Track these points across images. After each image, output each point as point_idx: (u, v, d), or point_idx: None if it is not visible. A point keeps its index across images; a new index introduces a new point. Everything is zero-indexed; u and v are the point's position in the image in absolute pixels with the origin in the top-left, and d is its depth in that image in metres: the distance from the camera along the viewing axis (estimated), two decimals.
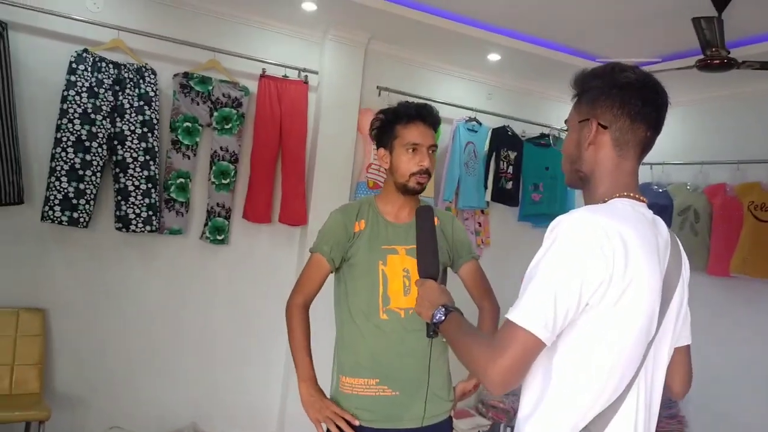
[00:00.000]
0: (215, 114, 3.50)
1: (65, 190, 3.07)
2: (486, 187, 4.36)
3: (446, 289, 1.50)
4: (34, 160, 3.17)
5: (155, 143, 3.31)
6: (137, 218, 3.25)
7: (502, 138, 4.42)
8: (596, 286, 1.08)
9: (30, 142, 3.16)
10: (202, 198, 3.58)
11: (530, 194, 4.52)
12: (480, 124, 4.32)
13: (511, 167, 4.46)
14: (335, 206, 4.07)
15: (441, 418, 1.87)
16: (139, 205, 3.26)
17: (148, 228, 3.28)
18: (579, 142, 1.25)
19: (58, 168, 3.06)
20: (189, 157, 3.46)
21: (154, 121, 3.30)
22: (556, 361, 1.15)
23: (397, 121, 1.90)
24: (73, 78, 3.10)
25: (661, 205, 4.17)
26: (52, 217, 3.04)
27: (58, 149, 3.07)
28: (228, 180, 3.55)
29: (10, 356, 3.01)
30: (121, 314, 3.42)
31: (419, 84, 4.19)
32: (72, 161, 3.08)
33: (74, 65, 3.11)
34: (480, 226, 4.50)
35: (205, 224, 3.55)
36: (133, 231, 3.26)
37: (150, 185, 3.29)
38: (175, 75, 3.41)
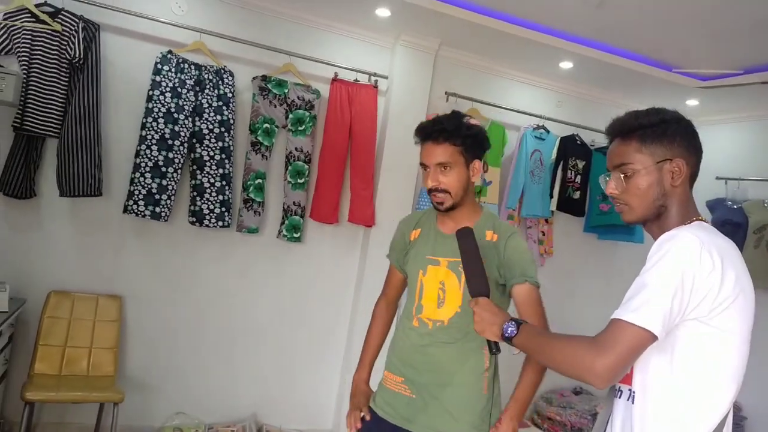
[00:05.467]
0: (290, 116, 3.61)
1: (149, 186, 3.23)
2: (552, 196, 4.30)
3: (497, 304, 1.56)
4: (116, 155, 3.34)
5: (231, 142, 3.44)
6: (210, 214, 3.39)
7: (571, 147, 4.35)
8: (704, 293, 1.21)
9: (112, 137, 3.34)
10: (276, 197, 3.69)
11: (598, 204, 4.43)
12: (548, 131, 4.27)
13: (578, 176, 4.38)
14: (398, 211, 4.14)
15: None
16: (213, 201, 3.40)
17: (220, 224, 3.42)
18: (660, 181, 1.36)
19: (143, 164, 3.23)
20: (266, 158, 3.58)
21: (231, 122, 3.44)
22: (680, 376, 1.26)
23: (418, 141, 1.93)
24: (157, 78, 3.27)
25: (735, 222, 4.00)
26: (136, 210, 3.21)
27: (143, 146, 3.23)
28: (303, 179, 3.65)
29: (89, 339, 3.19)
30: (191, 306, 3.57)
31: (487, 90, 4.18)
32: (156, 158, 3.24)
33: (159, 66, 3.27)
34: (543, 235, 4.44)
35: (282, 222, 3.65)
36: (206, 226, 3.40)
37: (224, 183, 3.42)
38: (254, 78, 3.53)
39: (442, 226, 1.94)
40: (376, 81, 3.79)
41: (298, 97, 3.61)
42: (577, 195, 4.40)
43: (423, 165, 1.87)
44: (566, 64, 4.01)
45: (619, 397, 1.36)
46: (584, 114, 4.47)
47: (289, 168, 3.63)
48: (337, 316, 3.88)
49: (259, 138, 3.55)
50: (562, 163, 4.33)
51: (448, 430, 1.83)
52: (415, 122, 4.01)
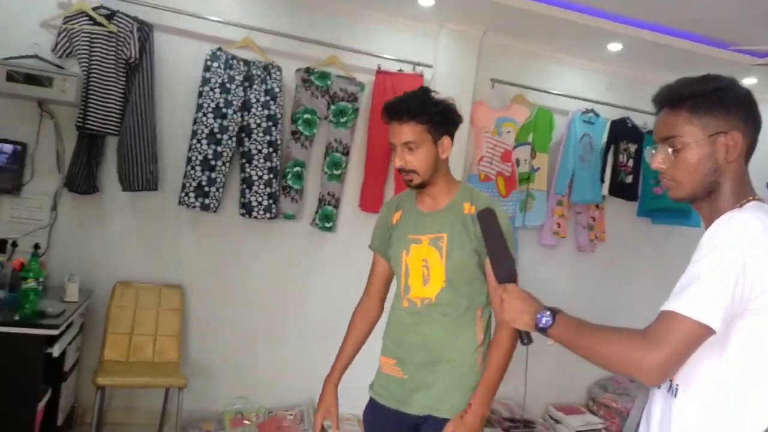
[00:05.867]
0: (332, 108, 3.66)
1: (199, 179, 3.36)
2: (603, 181, 4.24)
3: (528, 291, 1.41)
4: (171, 150, 3.48)
5: (278, 136, 3.53)
6: (259, 206, 3.50)
7: (622, 130, 4.27)
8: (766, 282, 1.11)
9: (168, 132, 3.47)
10: (314, 186, 3.76)
11: (651, 188, 4.34)
12: (597, 115, 4.20)
13: (630, 160, 4.30)
14: None
15: (445, 414, 1.80)
16: (261, 194, 3.50)
17: (267, 215, 3.52)
18: (713, 155, 1.23)
19: (193, 158, 3.35)
20: (306, 147, 3.66)
21: (278, 116, 3.52)
22: (733, 369, 1.17)
23: None
24: (207, 75, 3.38)
25: None
26: (187, 202, 3.35)
27: (194, 141, 3.36)
28: (339, 171, 3.71)
29: (153, 327, 3.35)
30: (246, 293, 3.69)
31: (533, 75, 4.14)
32: (205, 152, 3.36)
33: (209, 63, 3.38)
34: (594, 220, 4.38)
35: (316, 211, 3.73)
36: (255, 217, 3.50)
37: (271, 175, 3.52)
38: (297, 70, 3.60)
39: (422, 205, 1.92)
40: (421, 70, 3.81)
41: (340, 89, 3.66)
42: (629, 179, 4.32)
43: (391, 145, 1.85)
44: (615, 46, 3.94)
45: (658, 388, 1.28)
46: (635, 96, 4.36)
47: (327, 159, 3.69)
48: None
49: (300, 128, 3.62)
50: (613, 147, 4.26)
51: (441, 408, 1.80)
52: (460, 110, 4.02)
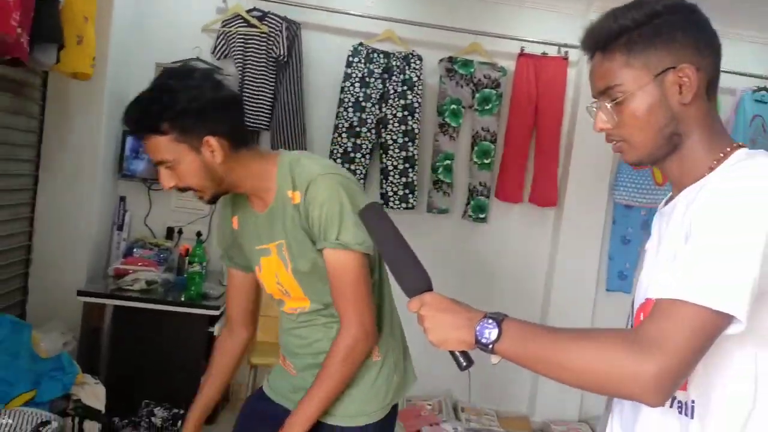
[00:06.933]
0: (477, 95, 3.60)
1: None
2: None
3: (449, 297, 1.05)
4: (319, 144, 3.61)
5: (415, 126, 3.52)
6: (394, 196, 3.53)
7: None
8: None
9: (315, 127, 3.61)
10: (462, 178, 3.73)
11: None
12: None
13: None
14: (594, 188, 3.91)
15: (330, 419, 1.49)
16: (397, 184, 3.53)
17: (403, 206, 3.53)
18: (665, 100, 0.96)
19: (335, 151, 3.47)
20: (454, 139, 3.63)
21: (415, 105, 3.52)
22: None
23: None
24: (349, 70, 3.47)
25: None
26: None
27: (335, 134, 3.48)
28: (489, 159, 3.64)
29: None
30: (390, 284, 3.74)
31: None
32: (345, 145, 3.46)
33: (351, 58, 3.48)
34: None
35: (467, 203, 3.68)
36: (391, 208, 3.52)
37: (407, 165, 3.53)
38: (440, 60, 3.59)
39: (253, 205, 1.52)
40: (566, 52, 3.62)
41: (484, 76, 3.59)
42: None
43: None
44: None
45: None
46: None
47: (476, 148, 3.63)
48: (529, 300, 3.81)
49: (447, 119, 3.59)
50: None
51: (330, 411, 1.48)
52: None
